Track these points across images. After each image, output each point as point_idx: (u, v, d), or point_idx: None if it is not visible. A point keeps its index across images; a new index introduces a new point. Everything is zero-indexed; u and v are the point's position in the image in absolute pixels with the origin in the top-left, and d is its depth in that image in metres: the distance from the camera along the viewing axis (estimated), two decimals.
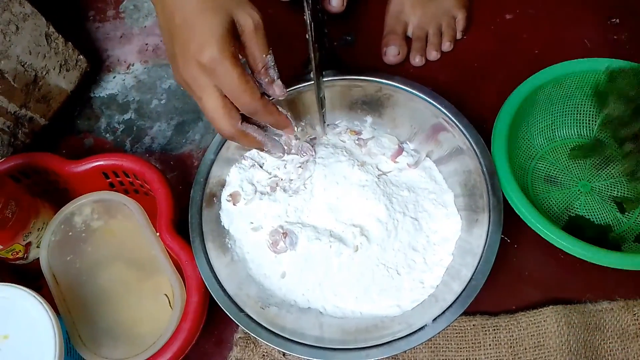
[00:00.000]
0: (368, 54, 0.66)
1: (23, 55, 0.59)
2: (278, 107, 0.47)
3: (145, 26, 0.73)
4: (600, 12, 0.67)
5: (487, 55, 0.65)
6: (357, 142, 0.57)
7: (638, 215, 0.54)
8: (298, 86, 0.55)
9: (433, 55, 0.64)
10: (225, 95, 0.42)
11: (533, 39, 0.65)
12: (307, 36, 0.44)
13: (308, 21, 0.43)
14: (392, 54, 0.64)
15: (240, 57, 0.43)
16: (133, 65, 0.70)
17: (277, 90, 0.45)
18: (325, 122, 0.53)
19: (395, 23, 0.64)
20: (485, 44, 0.66)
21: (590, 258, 0.46)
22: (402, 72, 0.64)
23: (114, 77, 0.69)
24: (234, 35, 0.41)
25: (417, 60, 0.64)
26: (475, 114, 0.59)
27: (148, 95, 0.68)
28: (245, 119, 0.45)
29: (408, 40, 0.65)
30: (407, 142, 0.58)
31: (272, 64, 0.44)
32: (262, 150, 0.49)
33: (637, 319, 0.50)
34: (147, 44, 0.71)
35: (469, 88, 0.62)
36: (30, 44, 0.60)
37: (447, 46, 0.64)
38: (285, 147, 0.53)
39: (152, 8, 0.74)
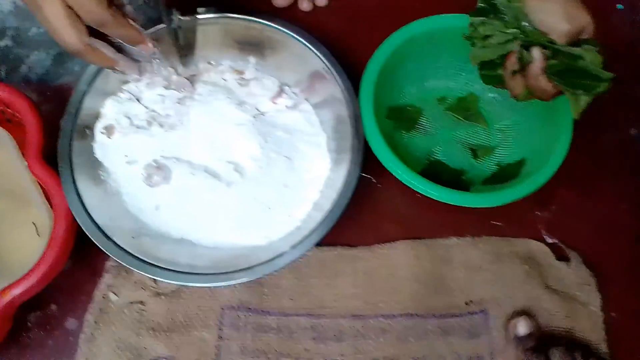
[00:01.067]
0: None
1: None
2: (130, 20, 0.44)
3: None
4: None
5: (373, 5, 0.67)
6: (239, 81, 0.59)
7: (488, 162, 0.60)
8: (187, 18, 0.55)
9: (321, 1, 0.66)
10: (69, 5, 0.39)
11: None
12: None
13: None
14: None
15: None
16: None
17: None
18: (185, 57, 0.53)
19: None
20: None
21: (438, 197, 0.51)
22: (290, 16, 0.65)
23: None
24: None
25: (304, 5, 0.65)
26: (356, 63, 0.62)
27: (27, 22, 0.64)
28: (94, 34, 0.43)
29: None
30: (289, 86, 0.60)
31: None
32: (114, 69, 0.48)
33: (481, 253, 0.56)
34: None
35: (354, 37, 0.64)
36: None
37: None
38: (142, 69, 0.51)
39: None
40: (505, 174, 0.58)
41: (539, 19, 0.45)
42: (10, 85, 0.53)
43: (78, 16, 0.40)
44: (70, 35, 0.41)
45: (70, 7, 0.39)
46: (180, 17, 0.48)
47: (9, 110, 0.54)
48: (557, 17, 0.44)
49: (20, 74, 0.62)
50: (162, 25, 0.55)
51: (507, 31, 0.47)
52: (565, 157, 0.52)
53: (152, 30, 0.55)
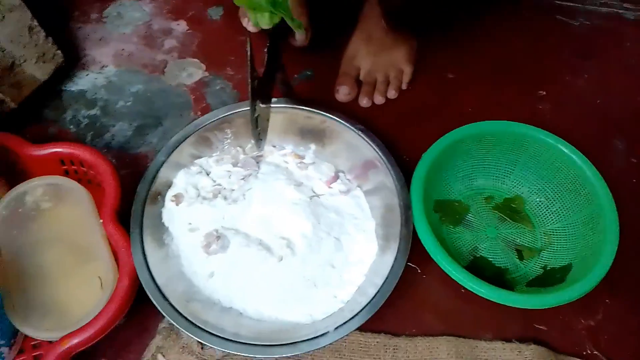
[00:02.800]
0: (323, 90, 0.73)
1: (4, 42, 0.63)
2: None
3: (124, 33, 0.78)
4: (531, 84, 0.76)
5: (426, 106, 0.73)
6: (298, 165, 0.63)
7: (534, 264, 0.61)
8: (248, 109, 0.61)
9: (378, 99, 0.72)
10: None
11: (468, 99, 0.74)
12: (247, 63, 0.50)
13: (248, 52, 0.49)
14: (343, 92, 0.71)
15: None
16: (107, 67, 0.75)
17: None
18: (261, 140, 0.58)
19: (349, 66, 0.72)
20: (425, 96, 0.74)
21: (484, 294, 0.52)
22: (350, 110, 0.71)
23: (87, 75, 0.74)
24: None
25: (364, 102, 0.71)
26: (405, 156, 0.66)
27: (116, 96, 0.73)
28: None
29: (360, 83, 0.73)
30: (343, 172, 0.64)
31: None
32: None
33: None
34: (123, 50, 0.77)
35: (405, 132, 0.69)
36: (13, 33, 0.64)
37: (392, 94, 0.72)
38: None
39: (134, 17, 0.80)
40: (551, 278, 0.58)
41: None
42: (96, 149, 0.59)
43: None
44: None
45: None
46: (261, 105, 0.54)
47: (91, 171, 0.60)
48: None
49: (104, 140, 0.69)
50: (234, 110, 0.61)
51: None
52: (610, 267, 0.53)
53: (224, 114, 0.61)
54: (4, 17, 0.63)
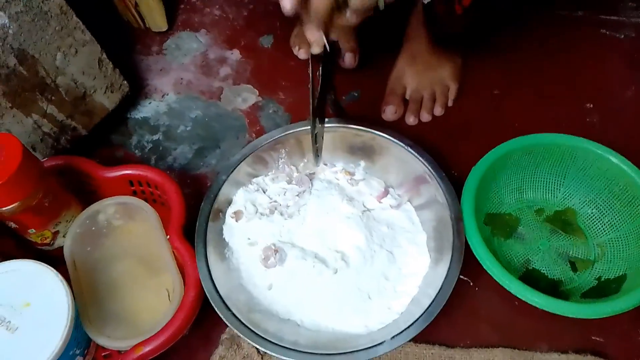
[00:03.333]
0: (370, 109, 0.76)
1: (77, 75, 0.69)
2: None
3: (183, 63, 0.84)
4: (578, 97, 0.77)
5: (472, 121, 0.74)
6: (349, 181, 0.66)
7: (588, 275, 0.61)
8: (308, 127, 0.64)
9: (425, 117, 0.74)
10: None
11: (515, 113, 0.75)
12: (308, 86, 0.54)
13: (310, 75, 0.52)
14: (390, 112, 0.73)
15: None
16: (168, 94, 0.81)
17: None
18: (318, 156, 0.60)
19: (395, 86, 0.74)
20: (472, 112, 0.75)
21: (538, 304, 0.52)
22: (398, 128, 0.73)
23: (150, 103, 0.80)
24: None
25: (411, 120, 0.74)
26: (454, 170, 0.68)
27: (177, 121, 0.78)
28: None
29: (406, 101, 0.75)
30: (393, 187, 0.66)
31: None
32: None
33: None
34: (182, 78, 0.82)
35: (453, 148, 0.71)
36: (85, 65, 0.70)
37: (438, 111, 0.74)
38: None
39: (191, 48, 0.86)
40: (606, 289, 0.58)
41: None
42: (162, 171, 0.64)
43: None
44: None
45: None
46: (319, 124, 0.57)
47: (157, 191, 0.65)
48: None
49: (167, 162, 0.74)
50: (287, 132, 0.65)
51: None
52: None
53: (278, 135, 0.65)
54: (77, 51, 0.69)
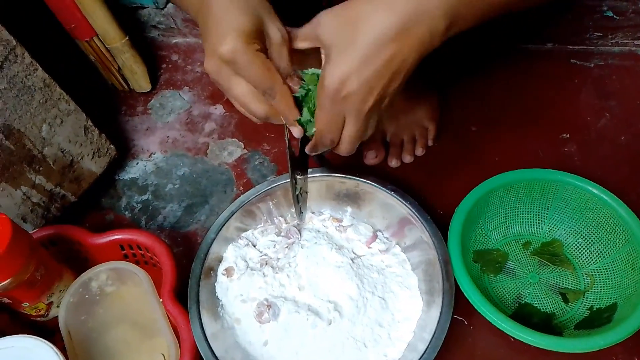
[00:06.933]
0: (353, 156, 0.76)
1: (63, 144, 0.70)
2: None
3: (167, 121, 0.86)
4: (553, 128, 0.79)
5: (454, 158, 0.76)
6: (338, 228, 0.67)
7: (579, 306, 0.61)
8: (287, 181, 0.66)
9: (407, 159, 0.75)
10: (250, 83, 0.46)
11: (494, 148, 0.76)
12: (286, 151, 0.54)
13: (287, 138, 0.52)
14: (371, 157, 0.75)
15: None
16: (154, 154, 0.82)
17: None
18: (301, 214, 0.62)
19: (375, 131, 0.76)
20: (452, 150, 0.77)
21: (533, 342, 0.53)
22: (380, 171, 0.75)
23: (137, 163, 0.81)
24: (259, 38, 0.45)
25: (393, 163, 0.75)
26: (439, 209, 0.69)
27: (164, 179, 0.79)
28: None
29: (387, 144, 0.77)
30: (381, 231, 0.67)
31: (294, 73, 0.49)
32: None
33: None
34: (167, 137, 0.84)
35: (437, 186, 0.73)
36: (71, 134, 0.71)
37: (419, 152, 0.75)
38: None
39: (175, 107, 0.88)
40: (599, 319, 0.58)
41: None
42: (152, 233, 0.64)
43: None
44: (257, 105, 0.47)
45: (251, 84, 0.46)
46: (299, 177, 0.58)
47: (148, 254, 0.65)
48: None
49: (157, 222, 0.74)
50: (274, 184, 0.66)
51: None
52: None
53: (266, 188, 0.66)
54: (62, 121, 0.70)
